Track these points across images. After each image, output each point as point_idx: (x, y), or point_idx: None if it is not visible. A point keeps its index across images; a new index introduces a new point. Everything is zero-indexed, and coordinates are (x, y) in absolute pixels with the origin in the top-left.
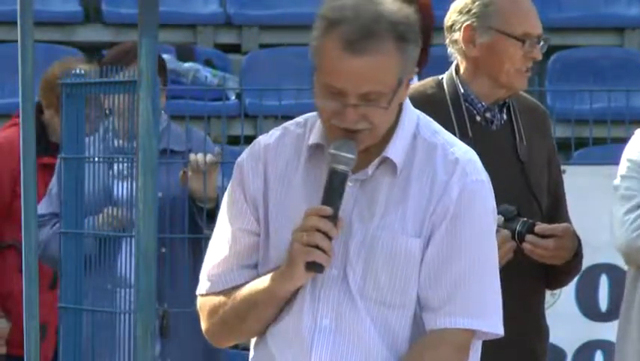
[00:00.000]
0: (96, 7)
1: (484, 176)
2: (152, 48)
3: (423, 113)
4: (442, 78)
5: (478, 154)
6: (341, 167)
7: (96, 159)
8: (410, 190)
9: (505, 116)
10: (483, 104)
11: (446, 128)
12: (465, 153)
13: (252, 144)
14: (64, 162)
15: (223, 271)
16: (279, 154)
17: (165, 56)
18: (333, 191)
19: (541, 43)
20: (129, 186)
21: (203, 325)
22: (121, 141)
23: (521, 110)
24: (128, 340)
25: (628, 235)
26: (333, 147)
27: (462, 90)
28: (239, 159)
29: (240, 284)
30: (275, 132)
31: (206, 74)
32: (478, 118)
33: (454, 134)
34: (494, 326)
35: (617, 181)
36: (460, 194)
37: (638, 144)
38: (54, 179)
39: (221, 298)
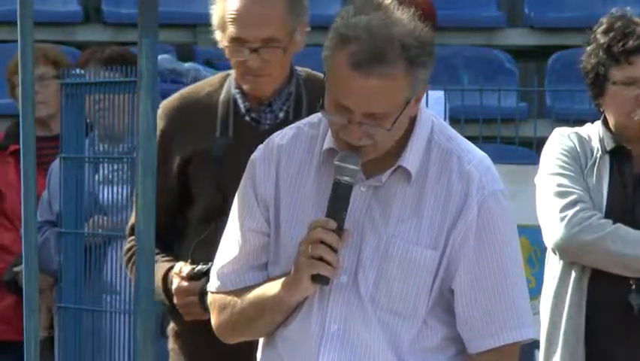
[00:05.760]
0: (96, 7)
1: (500, 184)
2: (152, 48)
3: (438, 117)
4: (230, 74)
5: (240, 154)
6: (345, 178)
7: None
8: (425, 200)
9: (282, 115)
10: (246, 104)
11: (209, 128)
12: (480, 161)
13: (266, 142)
14: (64, 161)
15: (233, 271)
16: (292, 155)
17: (165, 56)
18: (337, 202)
19: (246, 50)
20: (117, 191)
21: (213, 321)
22: (106, 145)
23: (314, 99)
24: (128, 340)
25: (569, 231)
26: (337, 159)
27: (233, 90)
28: (252, 156)
29: (250, 286)
30: (288, 132)
31: (207, 74)
32: (247, 118)
33: (216, 134)
34: (534, 331)
35: (543, 179)
36: (480, 209)
37: (562, 143)
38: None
39: (231, 298)
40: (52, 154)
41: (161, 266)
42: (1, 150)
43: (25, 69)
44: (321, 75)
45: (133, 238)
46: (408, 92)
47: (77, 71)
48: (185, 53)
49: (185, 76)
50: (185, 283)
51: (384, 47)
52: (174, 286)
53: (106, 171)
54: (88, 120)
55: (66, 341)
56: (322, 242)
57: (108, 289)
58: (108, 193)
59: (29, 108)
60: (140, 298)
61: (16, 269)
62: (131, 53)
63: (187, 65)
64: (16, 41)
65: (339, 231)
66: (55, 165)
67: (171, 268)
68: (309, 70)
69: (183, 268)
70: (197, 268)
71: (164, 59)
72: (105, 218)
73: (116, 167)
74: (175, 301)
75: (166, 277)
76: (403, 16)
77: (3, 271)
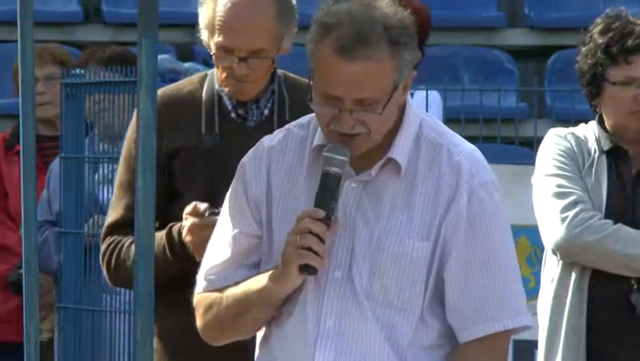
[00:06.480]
0: (96, 7)
1: (490, 175)
2: (152, 48)
3: (427, 114)
4: (208, 74)
5: (227, 150)
6: (334, 169)
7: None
8: (416, 192)
9: (267, 112)
10: (232, 101)
11: (193, 125)
12: (470, 153)
13: (256, 145)
14: (64, 161)
15: (221, 271)
16: (283, 156)
17: (165, 56)
18: (326, 193)
19: (234, 58)
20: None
21: (198, 322)
22: (105, 145)
23: (295, 100)
24: (128, 340)
25: (570, 231)
26: (326, 150)
27: (216, 87)
28: (243, 160)
29: (237, 282)
30: (278, 134)
31: None
32: (232, 115)
33: (202, 131)
34: (527, 318)
35: (541, 180)
36: (470, 198)
37: (559, 143)
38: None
39: (217, 296)
40: (58, 154)
41: (158, 232)
42: (8, 150)
43: (25, 69)
44: (297, 77)
45: (109, 238)
46: (395, 75)
47: (77, 71)
48: (184, 53)
49: (185, 76)
50: (199, 220)
51: (366, 30)
52: (187, 225)
53: (106, 171)
54: (88, 120)
55: (66, 341)
56: (310, 232)
57: (108, 289)
58: (108, 193)
59: (29, 108)
60: (140, 298)
61: (21, 271)
62: (131, 53)
63: (187, 64)
64: (16, 41)
65: (328, 221)
66: (55, 165)
67: (172, 226)
68: (284, 71)
69: (198, 204)
70: (210, 210)
71: (164, 59)
72: (105, 218)
73: (116, 167)
74: (189, 239)
75: (170, 232)
76: (382, 2)
77: (7, 272)
